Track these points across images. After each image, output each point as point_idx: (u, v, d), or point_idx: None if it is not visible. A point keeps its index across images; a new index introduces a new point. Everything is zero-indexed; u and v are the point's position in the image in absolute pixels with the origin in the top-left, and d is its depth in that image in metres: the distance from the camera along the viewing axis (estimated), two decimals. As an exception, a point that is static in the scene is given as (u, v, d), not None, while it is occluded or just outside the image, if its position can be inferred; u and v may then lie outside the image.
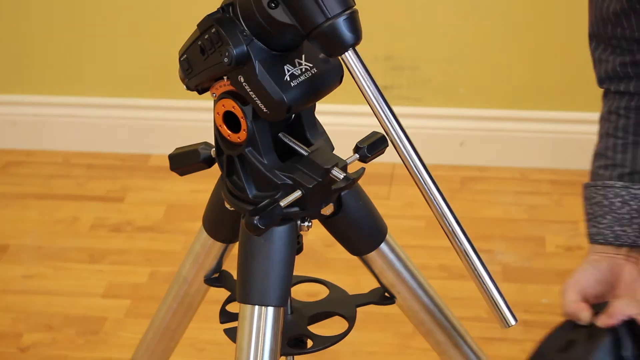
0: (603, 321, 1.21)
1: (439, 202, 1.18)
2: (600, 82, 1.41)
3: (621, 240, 1.34)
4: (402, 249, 1.41)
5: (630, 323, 1.20)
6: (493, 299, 1.20)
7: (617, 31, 1.35)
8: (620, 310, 1.20)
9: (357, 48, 1.15)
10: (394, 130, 1.16)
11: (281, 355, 1.34)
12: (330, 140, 1.30)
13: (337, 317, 1.44)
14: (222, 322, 1.43)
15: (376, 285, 1.45)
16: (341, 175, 1.23)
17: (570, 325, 1.25)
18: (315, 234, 1.40)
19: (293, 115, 1.27)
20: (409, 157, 1.17)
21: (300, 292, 1.49)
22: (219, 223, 1.38)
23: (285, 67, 1.21)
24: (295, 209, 1.26)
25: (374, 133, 1.32)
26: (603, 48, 1.39)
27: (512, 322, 1.20)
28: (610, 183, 1.36)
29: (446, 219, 1.18)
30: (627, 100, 1.38)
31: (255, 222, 1.20)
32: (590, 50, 1.41)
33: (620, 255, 1.34)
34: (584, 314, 1.23)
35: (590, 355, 1.16)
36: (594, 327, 1.21)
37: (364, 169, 1.25)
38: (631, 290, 1.22)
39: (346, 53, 1.15)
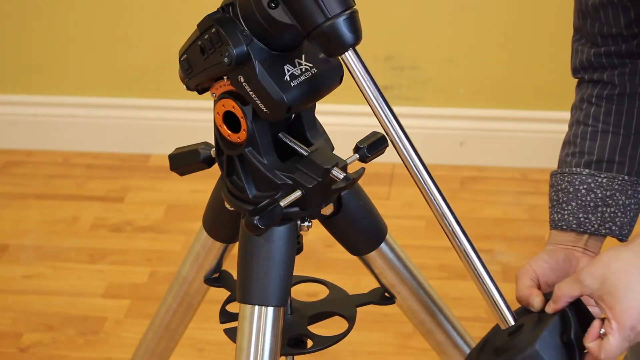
0: (550, 307, 1.21)
1: (439, 202, 1.18)
2: (575, 72, 1.42)
3: (584, 227, 1.34)
4: (402, 249, 1.41)
5: (577, 304, 1.20)
6: (493, 299, 1.20)
7: (596, 26, 1.36)
8: (564, 293, 1.20)
9: (357, 48, 1.15)
10: (394, 130, 1.16)
11: (281, 355, 1.34)
12: (330, 140, 1.30)
13: (337, 317, 1.44)
14: (222, 322, 1.42)
15: (376, 285, 1.45)
16: (341, 175, 1.22)
17: (523, 311, 1.25)
18: (315, 234, 1.40)
19: (293, 115, 1.27)
20: (409, 157, 1.17)
21: (300, 292, 1.49)
22: (219, 223, 1.38)
23: (286, 67, 1.21)
24: (295, 209, 1.26)
25: (374, 133, 1.32)
26: (582, 41, 1.40)
27: (512, 322, 1.20)
28: (576, 170, 1.36)
29: (446, 219, 1.18)
30: (599, 88, 1.39)
31: (255, 222, 1.20)
32: (572, 42, 1.42)
33: (578, 247, 1.34)
34: (536, 300, 1.23)
35: (536, 339, 1.16)
36: (544, 312, 1.22)
37: (364, 169, 1.25)
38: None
39: (346, 53, 1.15)
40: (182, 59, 1.26)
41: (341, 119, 2.76)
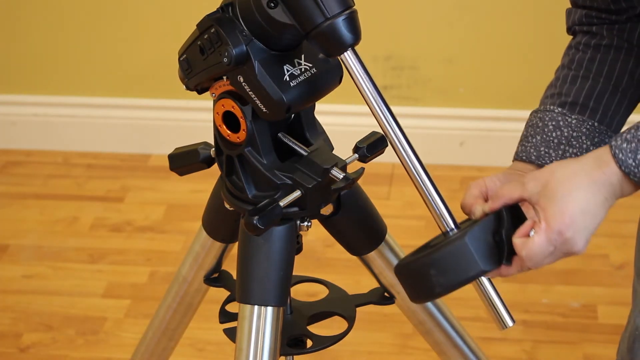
0: (488, 205, 1.20)
1: (437, 203, 1.18)
2: (568, 30, 1.46)
3: (542, 160, 1.34)
4: (402, 249, 1.41)
5: (514, 208, 1.19)
6: (491, 301, 1.19)
7: (587, 3, 1.41)
8: (504, 193, 1.19)
9: (356, 48, 1.15)
10: (392, 130, 1.16)
11: (281, 355, 1.34)
12: (329, 140, 1.30)
13: (336, 317, 1.44)
14: (221, 322, 1.43)
15: (376, 285, 1.45)
16: (340, 175, 1.23)
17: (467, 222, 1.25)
18: (315, 234, 1.40)
19: (292, 115, 1.27)
20: (407, 157, 1.16)
21: (300, 292, 1.49)
22: (219, 223, 1.38)
23: (285, 67, 1.21)
24: (295, 208, 1.26)
25: (374, 133, 1.32)
26: (579, 12, 1.43)
27: (510, 323, 1.20)
28: (550, 108, 1.38)
29: (444, 220, 1.18)
30: (588, 37, 1.42)
31: (254, 222, 1.20)
32: (566, 10, 1.45)
33: None
34: (478, 209, 1.22)
35: (466, 233, 1.16)
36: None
37: (363, 168, 1.25)
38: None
39: (345, 53, 1.15)
40: (181, 59, 1.26)
41: (341, 119, 2.76)
